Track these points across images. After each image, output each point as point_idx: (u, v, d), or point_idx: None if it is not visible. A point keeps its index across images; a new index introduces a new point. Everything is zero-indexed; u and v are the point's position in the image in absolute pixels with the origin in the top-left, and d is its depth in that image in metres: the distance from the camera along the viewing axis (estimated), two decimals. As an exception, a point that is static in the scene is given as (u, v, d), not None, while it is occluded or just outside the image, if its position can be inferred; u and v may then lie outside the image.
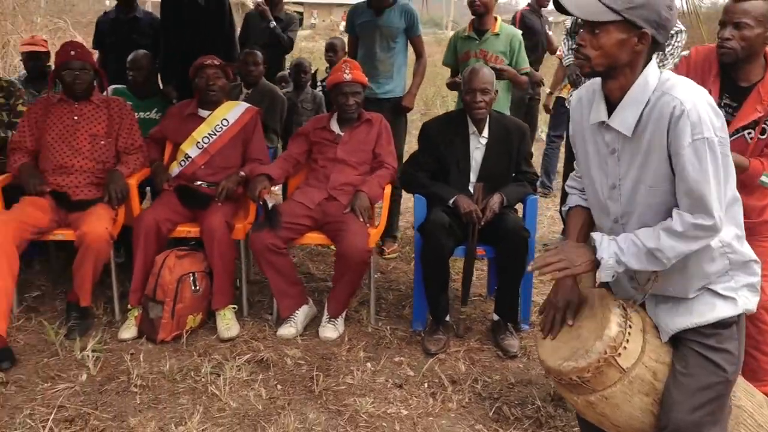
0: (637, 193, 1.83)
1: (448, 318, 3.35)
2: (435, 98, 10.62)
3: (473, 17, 4.21)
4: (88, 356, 2.98)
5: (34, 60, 4.68)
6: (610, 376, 1.85)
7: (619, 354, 1.83)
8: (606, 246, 1.83)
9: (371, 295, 3.51)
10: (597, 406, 1.91)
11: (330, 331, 3.33)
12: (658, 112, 1.73)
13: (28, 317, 3.41)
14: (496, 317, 3.36)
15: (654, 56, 1.79)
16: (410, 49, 4.48)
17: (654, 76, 1.77)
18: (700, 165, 1.67)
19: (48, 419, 2.54)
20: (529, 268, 1.91)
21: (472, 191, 3.36)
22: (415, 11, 4.42)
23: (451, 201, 3.27)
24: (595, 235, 1.88)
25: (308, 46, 18.83)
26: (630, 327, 1.86)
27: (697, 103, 1.68)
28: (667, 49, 4.66)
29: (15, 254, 3.07)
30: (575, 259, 1.85)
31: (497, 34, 4.12)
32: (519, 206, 3.54)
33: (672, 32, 4.57)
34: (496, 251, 3.28)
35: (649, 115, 1.75)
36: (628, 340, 1.84)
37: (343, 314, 3.43)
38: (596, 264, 1.84)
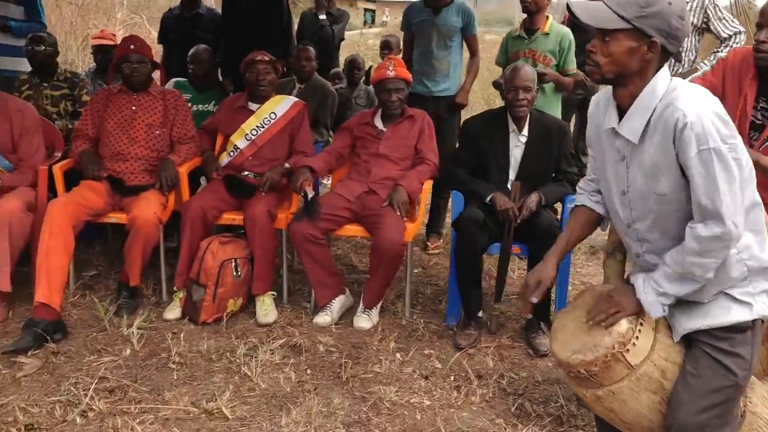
0: (648, 200, 1.83)
1: (481, 314, 3.38)
2: (495, 96, 10.53)
3: (525, 16, 4.20)
4: (133, 333, 3.15)
5: (103, 53, 4.95)
6: (617, 372, 1.86)
7: (628, 350, 1.84)
8: (642, 286, 1.86)
9: (407, 288, 3.57)
10: (604, 401, 1.92)
11: (364, 321, 3.40)
12: (663, 123, 1.73)
13: (83, 294, 3.62)
14: (529, 315, 3.36)
15: (666, 64, 1.78)
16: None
17: (663, 83, 1.76)
18: (708, 174, 1.68)
19: (90, 388, 2.71)
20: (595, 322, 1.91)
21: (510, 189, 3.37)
22: (471, 10, 4.43)
23: (488, 198, 3.29)
24: (633, 278, 1.92)
25: (377, 43, 18.81)
26: (641, 324, 1.86)
27: (701, 113, 1.67)
28: (726, 51, 4.53)
29: (71, 234, 3.27)
30: (625, 304, 1.87)
31: (547, 34, 4.08)
32: (558, 206, 3.53)
33: (731, 33, 4.45)
34: (529, 250, 3.29)
35: (655, 123, 1.75)
36: (637, 337, 1.85)
37: (378, 306, 3.50)
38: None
